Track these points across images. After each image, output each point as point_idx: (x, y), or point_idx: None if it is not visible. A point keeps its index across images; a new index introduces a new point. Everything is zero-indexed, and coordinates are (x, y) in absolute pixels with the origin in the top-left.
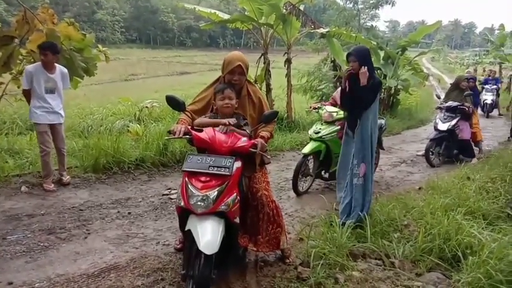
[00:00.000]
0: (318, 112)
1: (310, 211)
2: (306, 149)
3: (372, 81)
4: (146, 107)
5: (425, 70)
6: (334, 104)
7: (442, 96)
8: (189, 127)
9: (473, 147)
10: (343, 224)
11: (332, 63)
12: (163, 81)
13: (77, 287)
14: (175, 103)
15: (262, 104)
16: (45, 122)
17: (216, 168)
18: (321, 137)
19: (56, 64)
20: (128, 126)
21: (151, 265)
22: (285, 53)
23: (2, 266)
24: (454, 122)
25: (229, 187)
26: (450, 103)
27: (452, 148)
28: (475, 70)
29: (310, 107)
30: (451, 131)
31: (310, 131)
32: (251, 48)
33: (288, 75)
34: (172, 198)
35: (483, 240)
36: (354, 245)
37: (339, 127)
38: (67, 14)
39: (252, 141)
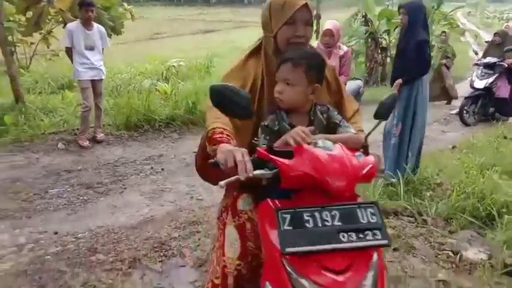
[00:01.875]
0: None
1: None
2: None
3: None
4: (173, 65)
5: (460, 25)
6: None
7: (480, 53)
8: (263, 151)
9: None
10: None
11: (363, 18)
12: (188, 40)
13: (116, 237)
14: (232, 101)
15: (340, 86)
16: (87, 78)
17: (355, 237)
18: None
19: (93, 22)
20: (156, 86)
21: (187, 218)
22: (315, 10)
23: (47, 217)
24: (491, 79)
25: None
26: (488, 59)
27: (488, 106)
28: None
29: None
30: (488, 89)
31: None
32: None
33: (317, 32)
34: None
35: None
36: (386, 203)
37: None
38: None
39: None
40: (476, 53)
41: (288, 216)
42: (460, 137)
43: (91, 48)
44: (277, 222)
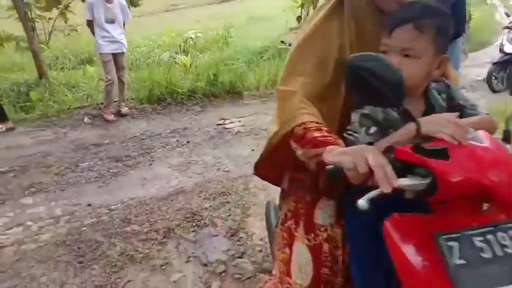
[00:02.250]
0: None
1: None
2: None
3: None
4: (190, 37)
5: None
6: None
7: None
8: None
9: None
10: None
11: None
12: (204, 10)
13: (149, 208)
14: (383, 80)
15: None
16: (109, 51)
17: None
18: None
19: None
20: (175, 58)
21: (216, 189)
22: None
23: (80, 189)
24: None
25: None
26: None
27: None
28: None
29: None
30: None
31: None
32: None
33: None
34: (227, 128)
35: None
36: None
37: None
38: None
39: None
40: (508, 15)
41: (456, 245)
42: (489, 104)
43: (112, 21)
44: (442, 254)
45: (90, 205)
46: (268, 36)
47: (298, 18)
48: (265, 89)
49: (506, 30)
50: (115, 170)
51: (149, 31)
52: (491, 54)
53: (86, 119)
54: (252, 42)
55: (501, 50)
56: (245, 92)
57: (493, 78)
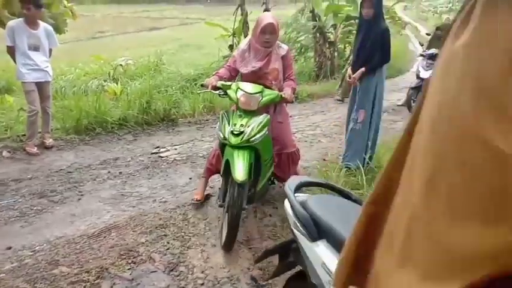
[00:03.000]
0: (225, 95)
1: (302, 162)
2: (235, 172)
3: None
4: (120, 65)
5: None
6: (231, 76)
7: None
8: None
9: None
10: (347, 168)
11: (311, 13)
12: (133, 37)
13: (79, 247)
14: None
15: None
16: (32, 80)
17: None
18: (248, 139)
19: (40, 21)
20: (104, 86)
21: (152, 222)
22: (263, 3)
23: None
24: None
25: None
26: (433, 51)
27: None
28: None
29: (207, 85)
30: None
31: (225, 131)
32: (222, 0)
33: (244, 26)
34: (162, 156)
35: None
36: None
37: (267, 117)
38: None
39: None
40: (421, 45)
41: None
42: None
43: (36, 49)
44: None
45: (10, 248)
46: (201, 63)
47: (230, 47)
48: (201, 116)
49: (421, 58)
50: (39, 207)
51: (75, 58)
52: (408, 80)
53: (4, 153)
54: (184, 69)
55: (418, 76)
56: (180, 119)
57: (412, 101)
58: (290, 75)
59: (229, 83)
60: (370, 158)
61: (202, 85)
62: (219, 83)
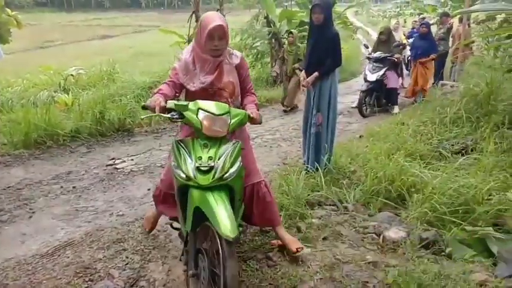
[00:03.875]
0: (180, 119)
1: (261, 167)
2: (221, 225)
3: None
4: (71, 75)
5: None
6: (175, 95)
7: (370, 47)
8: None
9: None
10: (307, 171)
11: (266, 20)
12: (85, 46)
13: (31, 268)
14: None
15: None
16: None
17: None
18: (221, 177)
19: None
20: (54, 97)
21: (109, 237)
22: (218, 9)
23: None
24: (381, 72)
25: None
26: (378, 54)
27: (381, 97)
28: (405, 21)
29: (152, 107)
30: (379, 81)
31: (187, 167)
32: (176, 7)
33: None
34: (118, 168)
35: (425, 178)
36: (309, 195)
37: (239, 144)
38: None
39: None
40: (366, 47)
41: None
42: (364, 126)
43: None
44: None
45: None
46: (156, 71)
47: None
48: (158, 124)
49: (367, 61)
50: None
51: (22, 69)
52: (361, 82)
53: None
54: (139, 77)
55: (365, 79)
56: (136, 129)
57: (363, 104)
58: (250, 89)
59: (184, 103)
60: (329, 159)
61: (144, 107)
62: (170, 103)
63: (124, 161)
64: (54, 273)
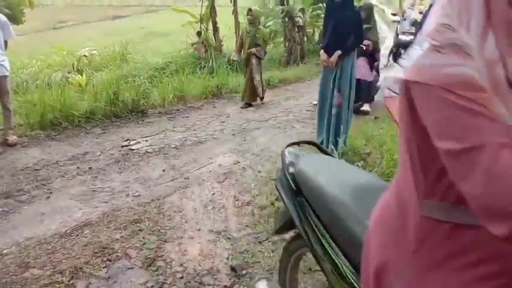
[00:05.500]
0: None
1: (276, 148)
2: None
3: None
4: (84, 55)
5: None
6: None
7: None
8: None
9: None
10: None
11: None
12: (96, 27)
13: (50, 248)
14: None
15: None
16: None
17: None
18: None
19: None
20: (68, 78)
21: (126, 217)
22: None
23: None
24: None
25: None
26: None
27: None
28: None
29: None
30: None
31: None
32: None
33: (235, 13)
34: (133, 149)
35: None
36: None
37: None
38: None
39: None
40: (394, 15)
41: None
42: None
43: None
44: None
45: None
46: (168, 51)
47: (198, 33)
48: (171, 105)
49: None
50: (5, 208)
51: (36, 50)
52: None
53: None
54: (152, 58)
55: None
56: (150, 110)
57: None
58: None
59: None
60: (344, 141)
61: None
62: None
63: (139, 142)
64: (73, 253)
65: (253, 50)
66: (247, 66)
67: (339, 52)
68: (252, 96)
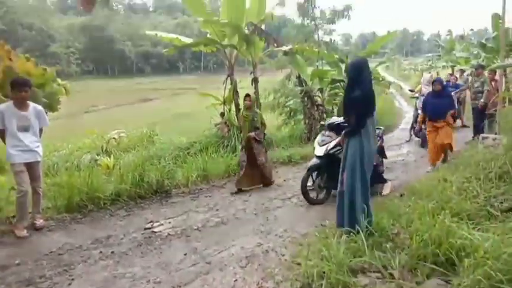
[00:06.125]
0: None
1: (300, 229)
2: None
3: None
4: (113, 138)
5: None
6: None
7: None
8: None
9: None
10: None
11: (298, 79)
12: (126, 110)
13: None
14: None
15: None
16: (21, 161)
17: None
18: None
19: (29, 102)
20: (97, 160)
21: None
22: (251, 72)
23: None
24: (332, 144)
25: None
26: (334, 119)
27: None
28: (437, 74)
29: None
30: (330, 156)
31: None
32: (211, 70)
33: (256, 94)
34: (156, 232)
35: (475, 241)
36: (351, 260)
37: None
38: (19, 50)
39: None
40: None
41: None
42: (404, 183)
43: (25, 130)
44: None
45: None
46: (193, 131)
47: (222, 114)
48: (194, 185)
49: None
50: None
51: (68, 134)
52: (398, 136)
53: None
54: (177, 138)
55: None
56: (173, 190)
57: (309, 187)
58: None
59: None
60: (370, 222)
61: None
62: None
63: (161, 224)
64: None
65: (252, 134)
66: (246, 151)
67: (343, 133)
68: (249, 182)
